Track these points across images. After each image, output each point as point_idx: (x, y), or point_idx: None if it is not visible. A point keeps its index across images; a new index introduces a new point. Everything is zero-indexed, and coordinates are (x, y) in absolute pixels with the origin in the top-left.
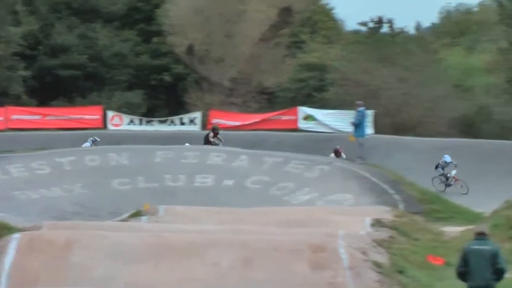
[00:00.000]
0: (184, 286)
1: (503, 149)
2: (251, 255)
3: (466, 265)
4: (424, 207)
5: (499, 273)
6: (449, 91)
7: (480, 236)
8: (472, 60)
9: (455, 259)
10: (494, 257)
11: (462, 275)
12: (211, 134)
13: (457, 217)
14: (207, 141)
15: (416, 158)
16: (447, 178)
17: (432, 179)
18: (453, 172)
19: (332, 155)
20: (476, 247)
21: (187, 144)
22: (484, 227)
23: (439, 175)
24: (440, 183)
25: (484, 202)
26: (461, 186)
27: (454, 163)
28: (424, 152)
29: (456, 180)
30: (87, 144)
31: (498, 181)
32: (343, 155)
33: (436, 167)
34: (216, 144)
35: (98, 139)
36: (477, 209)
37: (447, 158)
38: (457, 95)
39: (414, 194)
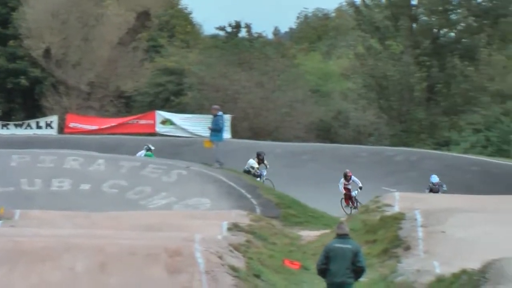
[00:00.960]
0: None
1: (359, 153)
2: (106, 260)
3: (327, 262)
4: (281, 211)
5: (358, 272)
6: (307, 96)
7: (342, 236)
8: (329, 65)
9: (312, 263)
10: (354, 256)
11: (323, 271)
12: (255, 161)
13: (314, 222)
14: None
15: (274, 163)
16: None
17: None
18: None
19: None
20: (338, 245)
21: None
22: (345, 228)
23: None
24: (346, 206)
25: (340, 207)
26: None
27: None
28: (282, 157)
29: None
30: (142, 152)
31: None
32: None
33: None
34: (258, 175)
35: (153, 147)
36: (334, 213)
37: (434, 179)
38: (315, 100)
39: (271, 198)
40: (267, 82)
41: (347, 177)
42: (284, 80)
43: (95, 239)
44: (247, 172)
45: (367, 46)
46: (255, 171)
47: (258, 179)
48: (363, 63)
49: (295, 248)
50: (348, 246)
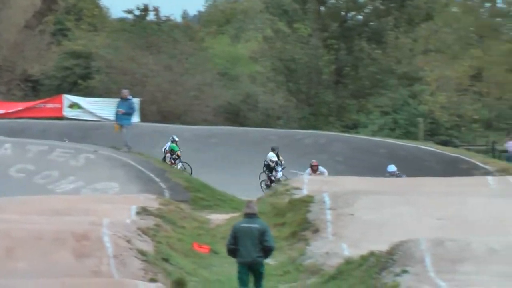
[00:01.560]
0: None
1: (268, 137)
2: (12, 245)
3: (236, 242)
4: (190, 195)
5: (267, 250)
6: (215, 79)
7: (250, 215)
8: (238, 48)
9: (221, 247)
10: (262, 235)
11: (232, 251)
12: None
13: (223, 205)
14: (268, 167)
15: (182, 146)
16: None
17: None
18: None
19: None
20: (245, 225)
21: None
22: (253, 207)
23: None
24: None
25: (249, 190)
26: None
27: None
28: (191, 140)
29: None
30: (167, 144)
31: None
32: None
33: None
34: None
35: (177, 138)
36: (244, 196)
37: (391, 168)
38: (223, 83)
39: (180, 182)
40: (175, 66)
41: (313, 168)
42: (192, 64)
43: (1, 223)
44: (267, 166)
45: (275, 29)
46: (274, 165)
47: (276, 173)
48: (271, 46)
49: (204, 232)
50: (255, 225)
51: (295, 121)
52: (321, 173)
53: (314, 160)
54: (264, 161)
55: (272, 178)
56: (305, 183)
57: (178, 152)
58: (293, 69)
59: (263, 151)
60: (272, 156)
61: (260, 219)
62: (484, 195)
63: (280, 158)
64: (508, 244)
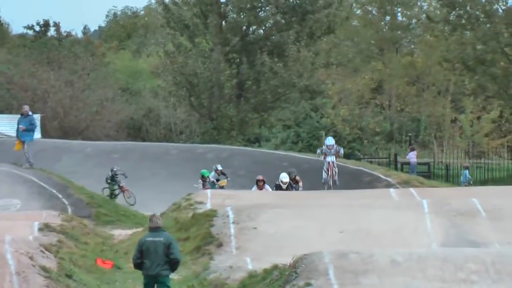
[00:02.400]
0: None
1: (169, 151)
2: None
3: (141, 256)
4: (93, 210)
5: (173, 263)
6: (117, 95)
7: (154, 229)
8: (139, 63)
9: (124, 262)
10: (167, 248)
11: (138, 265)
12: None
13: (126, 220)
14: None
15: (84, 162)
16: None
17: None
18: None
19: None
20: (150, 238)
21: None
22: (157, 221)
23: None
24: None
25: (152, 205)
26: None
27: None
28: (93, 156)
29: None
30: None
31: (166, 183)
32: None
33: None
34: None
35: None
36: (146, 211)
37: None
38: (125, 99)
39: (82, 198)
40: (76, 81)
41: (259, 184)
42: (93, 79)
43: None
44: (277, 186)
45: (176, 44)
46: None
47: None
48: (172, 60)
49: (107, 247)
50: (160, 239)
51: (197, 136)
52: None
53: (260, 176)
54: (276, 182)
55: None
56: (208, 197)
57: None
58: (195, 83)
59: (165, 166)
60: (283, 177)
61: (165, 232)
62: (386, 207)
63: (297, 178)
64: (410, 256)
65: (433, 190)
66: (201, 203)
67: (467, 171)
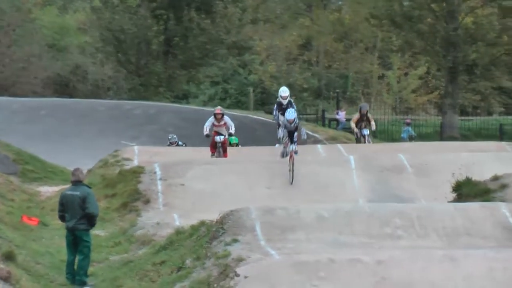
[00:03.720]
0: None
1: (97, 108)
2: None
3: (64, 209)
4: (19, 167)
5: (89, 217)
6: (43, 51)
7: (75, 182)
8: (66, 19)
9: (50, 219)
10: (83, 202)
11: (61, 218)
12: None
13: (53, 177)
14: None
15: (11, 118)
16: None
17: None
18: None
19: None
20: (69, 192)
21: None
22: (78, 174)
23: None
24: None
25: (80, 161)
26: None
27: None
28: (20, 112)
29: None
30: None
31: (93, 139)
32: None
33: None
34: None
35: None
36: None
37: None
38: (52, 55)
39: (9, 154)
40: (2, 37)
41: (217, 117)
42: (19, 35)
43: None
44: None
45: (103, 0)
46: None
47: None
48: (99, 16)
49: (34, 204)
50: (77, 192)
51: (125, 92)
52: (227, 124)
53: (218, 108)
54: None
55: None
56: (136, 153)
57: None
58: (122, 40)
59: (92, 122)
60: (283, 91)
61: (84, 186)
62: (314, 163)
63: (370, 115)
64: (337, 211)
65: (360, 146)
66: (128, 159)
67: (409, 127)
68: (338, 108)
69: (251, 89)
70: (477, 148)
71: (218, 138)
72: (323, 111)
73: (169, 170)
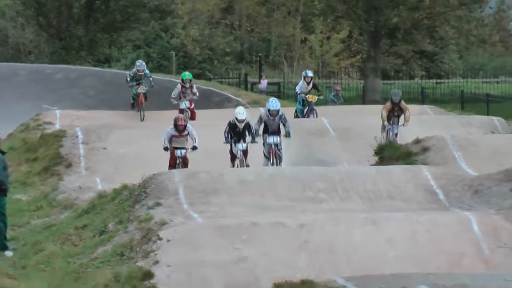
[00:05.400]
0: None
1: (17, 71)
2: None
3: None
4: None
5: None
6: None
7: None
8: None
9: None
10: None
11: None
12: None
13: None
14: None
15: None
16: None
17: None
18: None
19: None
20: None
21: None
22: None
23: None
24: None
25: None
26: None
27: None
28: None
29: None
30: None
31: (14, 104)
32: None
33: None
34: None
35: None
36: None
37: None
38: None
39: None
40: None
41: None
42: None
43: None
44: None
45: None
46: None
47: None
48: None
49: None
50: None
51: (46, 56)
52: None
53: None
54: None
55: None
56: (57, 117)
57: None
58: (43, 2)
59: (13, 86)
60: (239, 113)
61: None
62: None
63: (402, 104)
64: (259, 175)
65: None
66: (49, 123)
67: (339, 94)
68: (261, 76)
69: (173, 53)
70: None
71: (179, 153)
72: (246, 75)
73: (91, 134)
